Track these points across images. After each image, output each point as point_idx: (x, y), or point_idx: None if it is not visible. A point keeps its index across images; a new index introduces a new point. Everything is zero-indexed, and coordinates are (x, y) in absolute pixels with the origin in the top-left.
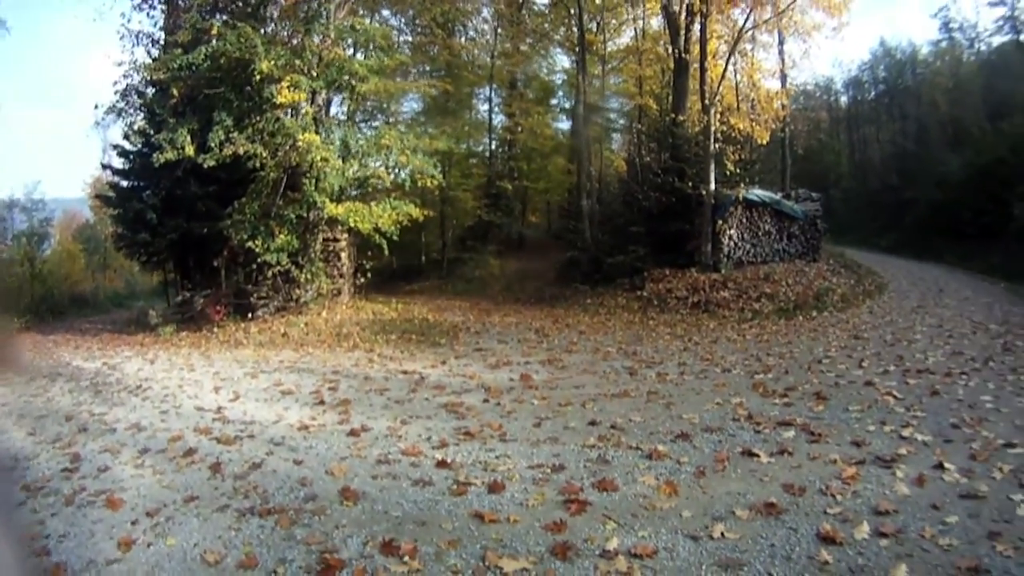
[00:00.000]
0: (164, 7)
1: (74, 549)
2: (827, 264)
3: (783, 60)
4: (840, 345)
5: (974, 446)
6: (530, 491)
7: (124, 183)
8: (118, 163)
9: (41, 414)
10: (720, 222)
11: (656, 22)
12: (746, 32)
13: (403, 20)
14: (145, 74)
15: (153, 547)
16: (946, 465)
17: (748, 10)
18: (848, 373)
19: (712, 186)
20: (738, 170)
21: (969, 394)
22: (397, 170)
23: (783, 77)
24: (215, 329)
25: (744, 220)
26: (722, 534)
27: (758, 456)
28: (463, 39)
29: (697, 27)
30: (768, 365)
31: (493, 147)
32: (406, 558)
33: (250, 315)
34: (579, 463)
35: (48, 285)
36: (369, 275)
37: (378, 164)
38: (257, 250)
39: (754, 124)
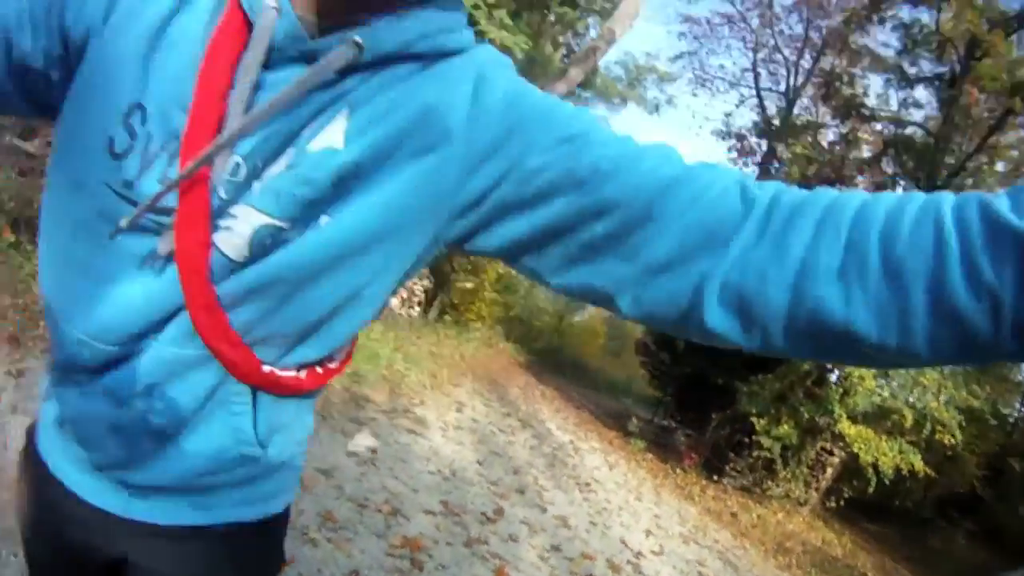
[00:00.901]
0: None
1: None
2: None
3: None
4: None
5: None
6: None
7: None
8: None
9: (493, 451)
10: None
11: None
12: None
13: None
14: None
15: None
16: None
17: None
18: None
19: None
20: None
21: None
22: None
23: None
24: (681, 469)
25: None
26: None
27: None
28: None
29: None
30: None
31: None
32: None
33: (715, 476)
34: None
35: (576, 346)
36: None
37: None
38: (757, 427)
39: None
